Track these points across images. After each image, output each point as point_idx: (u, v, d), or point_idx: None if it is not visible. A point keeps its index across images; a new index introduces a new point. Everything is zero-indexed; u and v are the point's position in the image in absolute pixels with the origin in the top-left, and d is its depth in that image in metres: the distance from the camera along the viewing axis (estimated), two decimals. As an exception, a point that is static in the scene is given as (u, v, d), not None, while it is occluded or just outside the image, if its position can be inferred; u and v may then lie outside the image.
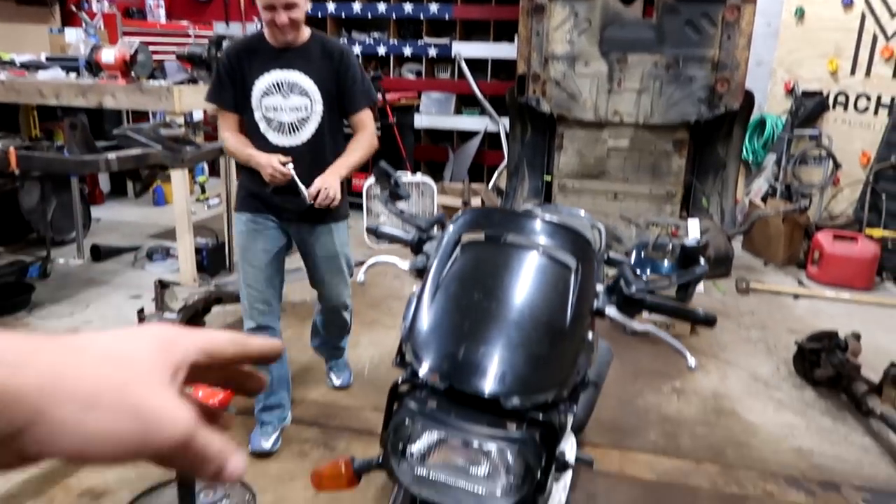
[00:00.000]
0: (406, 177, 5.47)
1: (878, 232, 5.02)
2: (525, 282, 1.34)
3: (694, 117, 5.23)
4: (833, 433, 3.03)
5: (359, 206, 5.52)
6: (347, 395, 3.19)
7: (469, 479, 1.16)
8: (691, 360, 1.44)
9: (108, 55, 4.05)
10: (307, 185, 2.45)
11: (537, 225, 1.41)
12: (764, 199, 6.11)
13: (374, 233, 1.72)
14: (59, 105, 4.51)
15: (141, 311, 3.31)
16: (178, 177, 4.10)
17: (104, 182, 6.62)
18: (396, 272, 4.94)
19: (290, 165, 2.45)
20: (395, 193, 1.73)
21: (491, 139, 6.97)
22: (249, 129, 2.57)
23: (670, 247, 5.01)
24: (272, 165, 2.43)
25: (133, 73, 4.10)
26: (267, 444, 2.65)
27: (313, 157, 2.54)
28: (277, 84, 2.48)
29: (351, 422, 2.95)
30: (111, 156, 2.67)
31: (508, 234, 1.41)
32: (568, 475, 1.58)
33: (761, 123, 6.67)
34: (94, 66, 4.13)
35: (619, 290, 1.38)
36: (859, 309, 4.59)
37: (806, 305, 4.64)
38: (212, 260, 4.55)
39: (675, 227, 5.14)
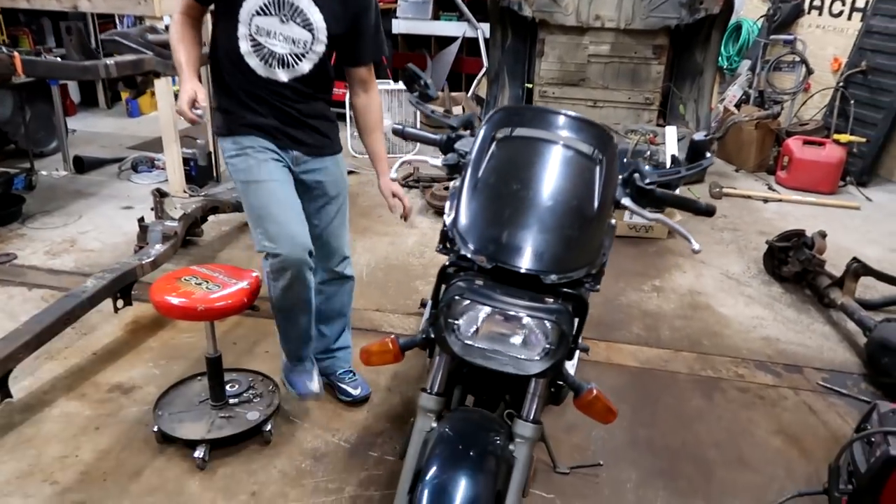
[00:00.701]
0: (387, 85, 5.45)
1: (845, 137, 5.23)
2: (557, 172, 1.48)
3: (675, 22, 5.26)
4: (797, 323, 3.32)
5: (342, 117, 5.51)
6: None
7: (510, 346, 1.34)
8: (695, 244, 1.60)
9: (82, -45, 3.89)
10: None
11: (565, 121, 1.54)
12: (737, 106, 6.26)
13: (402, 134, 1.81)
14: (24, 9, 4.34)
15: (141, 220, 3.37)
16: (163, 85, 4.05)
17: (74, 92, 6.43)
18: (383, 180, 5.01)
19: (205, 111, 1.91)
20: (424, 94, 1.82)
21: (469, 46, 6.90)
22: (221, 42, 2.06)
23: (648, 153, 5.16)
24: (185, 102, 1.88)
25: (108, -25, 3.96)
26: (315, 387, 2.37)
27: (292, 104, 2.12)
28: (279, 3, 1.97)
29: (358, 323, 3.12)
30: (110, 61, 2.66)
31: (539, 129, 1.53)
32: (576, 355, 1.78)
33: (737, 29, 6.72)
34: (66, -33, 3.97)
35: (633, 183, 1.54)
36: (824, 211, 4.86)
37: (775, 209, 4.89)
38: (200, 171, 4.56)
39: (653, 135, 5.28)
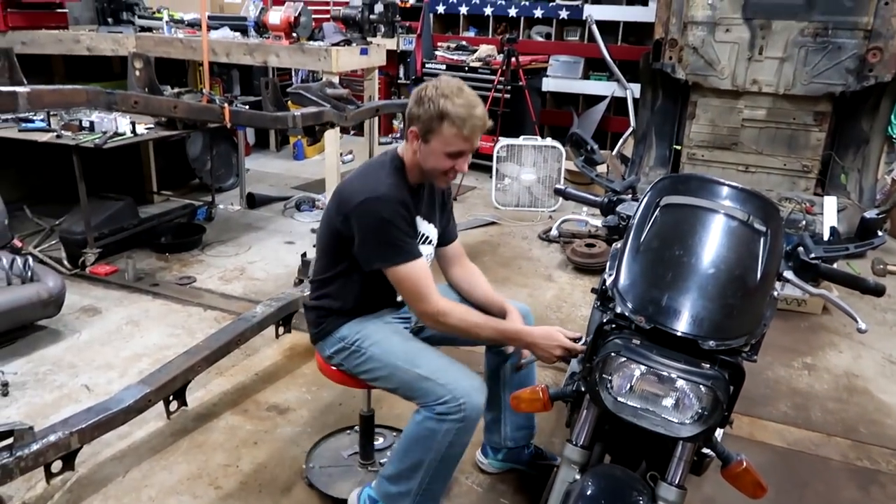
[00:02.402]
0: (535, 141, 5.61)
1: None
2: (721, 242, 1.52)
3: (840, 89, 5.03)
4: (973, 421, 3.01)
5: (487, 169, 5.74)
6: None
7: (662, 407, 1.38)
8: (862, 324, 1.56)
9: (275, 17, 4.41)
10: None
11: (731, 191, 1.58)
12: (908, 178, 5.81)
13: (563, 194, 1.91)
14: (226, 63, 4.94)
15: (304, 255, 3.69)
16: (332, 134, 4.45)
17: (250, 135, 7.15)
18: (524, 234, 5.14)
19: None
20: (590, 159, 1.93)
21: (616, 105, 6.96)
22: (377, 282, 1.95)
23: (804, 222, 4.92)
24: (563, 343, 1.90)
25: (295, 34, 4.45)
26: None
27: None
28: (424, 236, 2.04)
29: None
30: (297, 113, 3.00)
31: (705, 198, 1.58)
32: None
33: (911, 96, 6.28)
34: (260, 27, 4.51)
35: (797, 256, 1.54)
36: None
37: (949, 291, 4.47)
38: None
39: (810, 204, 5.04)
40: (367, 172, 1.95)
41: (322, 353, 2.12)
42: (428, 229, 2.06)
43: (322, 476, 2.38)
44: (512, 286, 4.18)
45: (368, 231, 1.85)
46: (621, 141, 6.72)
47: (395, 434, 2.55)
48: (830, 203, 4.58)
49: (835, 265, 1.68)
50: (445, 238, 2.19)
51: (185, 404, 2.73)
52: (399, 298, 2.06)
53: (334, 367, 2.10)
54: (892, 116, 5.96)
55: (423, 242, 2.03)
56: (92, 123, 3.89)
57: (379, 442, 2.51)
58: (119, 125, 3.88)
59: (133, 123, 3.91)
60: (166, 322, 3.53)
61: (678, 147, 5.78)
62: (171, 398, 2.63)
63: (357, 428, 2.46)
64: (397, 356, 1.93)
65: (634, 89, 6.58)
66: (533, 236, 5.10)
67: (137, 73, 3.06)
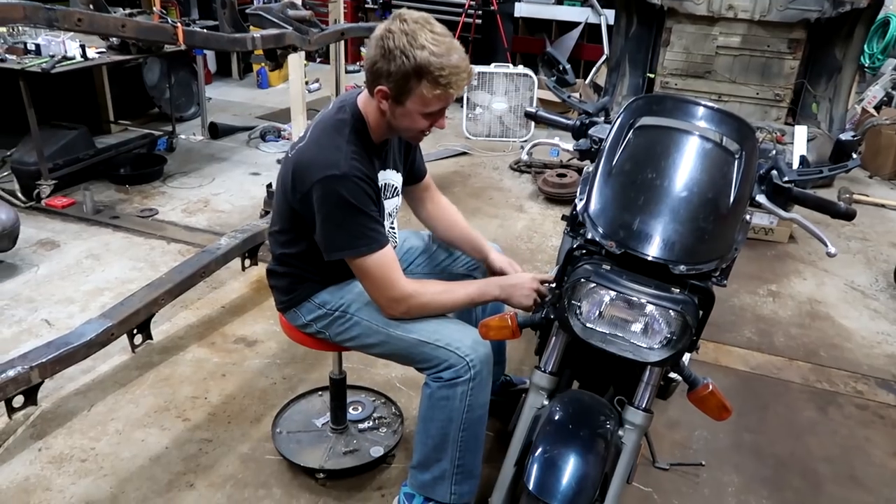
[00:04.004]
0: (507, 68, 5.47)
1: None
2: (694, 164, 1.47)
3: (815, 15, 4.95)
4: (928, 344, 3.10)
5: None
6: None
7: (631, 333, 1.37)
8: (832, 248, 1.55)
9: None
10: None
11: (706, 112, 1.52)
12: (877, 108, 5.83)
13: (534, 117, 1.84)
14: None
15: (269, 186, 3.59)
16: (296, 59, 4.25)
17: (211, 62, 6.85)
18: (495, 164, 5.07)
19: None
20: (562, 80, 1.85)
21: (590, 32, 6.79)
22: None
23: (773, 152, 4.92)
24: (534, 286, 1.71)
25: (254, -47, 4.19)
26: None
27: None
28: (387, 185, 1.83)
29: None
30: (256, 35, 2.85)
31: (679, 119, 1.52)
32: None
33: (884, 24, 6.24)
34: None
35: (770, 180, 1.50)
36: (968, 226, 4.47)
37: (911, 220, 4.56)
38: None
39: (781, 133, 5.03)
40: (323, 138, 1.66)
41: (295, 321, 1.87)
42: (395, 178, 1.86)
43: (290, 443, 2.18)
44: (483, 217, 4.14)
45: (328, 215, 1.61)
46: (595, 69, 6.60)
47: (373, 399, 2.39)
48: (801, 132, 4.57)
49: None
50: (414, 175, 1.99)
51: (150, 338, 2.68)
52: None
53: (309, 335, 1.88)
54: (865, 45, 5.93)
55: (391, 195, 1.85)
56: (38, 46, 3.66)
57: (357, 412, 2.31)
58: (68, 48, 3.66)
59: (83, 46, 3.69)
60: (128, 255, 3.43)
61: (652, 75, 5.69)
62: (134, 332, 2.58)
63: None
64: (387, 321, 1.74)
65: (609, 16, 6.42)
66: (504, 167, 5.04)
67: (83, -10, 2.87)
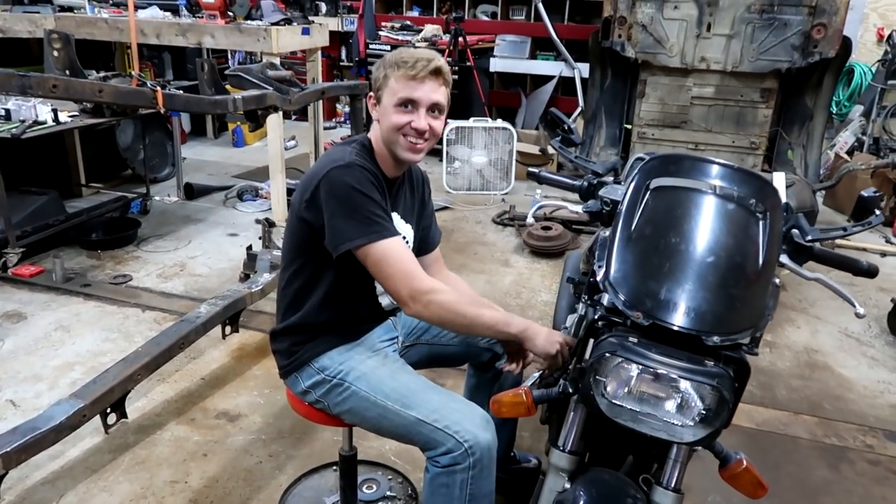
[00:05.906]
0: (485, 122, 5.47)
1: (974, 190, 4.86)
2: (719, 226, 1.39)
3: (786, 65, 5.07)
4: (930, 391, 3.05)
5: (437, 153, 5.57)
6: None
7: (663, 410, 1.26)
8: (860, 308, 1.48)
9: (208, -5, 4.11)
10: None
11: (726, 171, 1.45)
12: (849, 153, 5.94)
13: (537, 178, 1.77)
14: (157, 45, 4.61)
15: (249, 248, 3.47)
16: (275, 118, 4.19)
17: (185, 122, 6.78)
18: (478, 218, 5.01)
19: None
20: (567, 139, 1.79)
21: (564, 85, 6.88)
22: (352, 283, 1.73)
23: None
24: (561, 340, 1.59)
25: (231, 13, 4.16)
26: None
27: None
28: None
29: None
30: (237, 96, 2.77)
31: (696, 179, 1.45)
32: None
33: (849, 73, 6.42)
34: (193, 5, 4.21)
35: (791, 239, 1.43)
36: (951, 268, 4.50)
37: (894, 263, 4.57)
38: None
39: (760, 180, 5.07)
40: (331, 152, 1.69)
41: (295, 387, 1.75)
42: (405, 230, 1.78)
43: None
44: (469, 273, 4.05)
45: (336, 203, 1.55)
46: (571, 121, 6.64)
47: (389, 477, 2.26)
48: (780, 179, 4.59)
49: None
50: (427, 244, 1.92)
51: (125, 416, 2.49)
52: (385, 302, 1.81)
53: (309, 404, 1.76)
54: (834, 93, 6.08)
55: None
56: (8, 112, 3.55)
57: (371, 491, 2.18)
58: (39, 113, 3.54)
59: (55, 111, 3.58)
60: (100, 326, 3.25)
61: (628, 126, 5.75)
62: (108, 411, 2.39)
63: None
64: (387, 395, 1.63)
65: (582, 69, 6.52)
66: (487, 220, 4.98)
67: (56, 53, 2.77)
